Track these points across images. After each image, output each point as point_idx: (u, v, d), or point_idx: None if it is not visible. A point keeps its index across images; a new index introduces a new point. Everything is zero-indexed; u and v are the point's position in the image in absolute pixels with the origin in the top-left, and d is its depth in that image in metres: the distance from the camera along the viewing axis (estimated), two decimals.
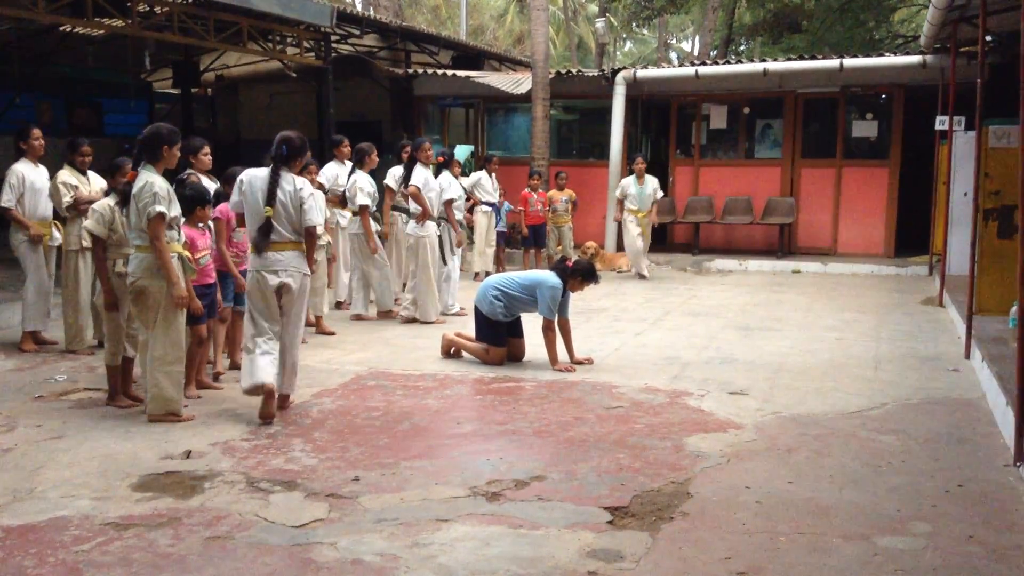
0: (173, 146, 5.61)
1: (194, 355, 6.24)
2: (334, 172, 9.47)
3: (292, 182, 5.81)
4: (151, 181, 5.41)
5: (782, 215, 14.23)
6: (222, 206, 6.50)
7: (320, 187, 9.15)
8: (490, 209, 12.15)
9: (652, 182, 12.41)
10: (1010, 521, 4.12)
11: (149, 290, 5.46)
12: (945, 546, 3.83)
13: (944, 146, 11.70)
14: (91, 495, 4.36)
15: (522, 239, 12.64)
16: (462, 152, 13.92)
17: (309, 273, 5.94)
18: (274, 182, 5.73)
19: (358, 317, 9.16)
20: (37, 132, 7.61)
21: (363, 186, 8.94)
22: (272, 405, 5.61)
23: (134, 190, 5.48)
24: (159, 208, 5.34)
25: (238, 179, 5.96)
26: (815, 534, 3.93)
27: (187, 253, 5.73)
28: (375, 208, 9.19)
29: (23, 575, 3.53)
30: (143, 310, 5.54)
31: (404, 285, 9.98)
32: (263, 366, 5.65)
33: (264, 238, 5.70)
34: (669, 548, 3.79)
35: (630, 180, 12.43)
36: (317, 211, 6.00)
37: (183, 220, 6.18)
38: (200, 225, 6.23)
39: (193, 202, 6.17)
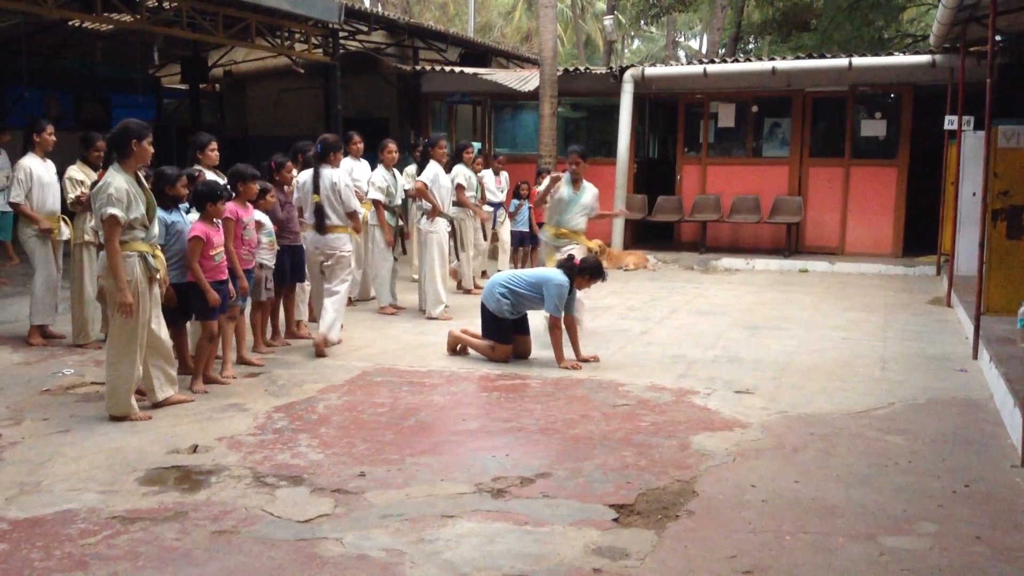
0: (143, 140, 5.44)
1: (203, 350, 6.25)
2: (348, 166, 9.51)
3: (329, 175, 7.50)
4: (108, 182, 5.32)
5: (789, 214, 14.21)
6: (230, 205, 6.51)
7: None
8: (492, 209, 12.04)
9: (589, 191, 8.47)
10: (1017, 522, 4.10)
11: (107, 289, 5.45)
12: (951, 546, 3.82)
13: (953, 146, 11.67)
14: (98, 489, 4.37)
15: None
16: None
17: (349, 251, 7.62)
18: (316, 176, 7.51)
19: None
20: (51, 127, 7.63)
21: (375, 180, 9.23)
22: (321, 347, 7.30)
23: (93, 190, 5.46)
24: (111, 210, 5.25)
25: (295, 180, 7.69)
26: (821, 533, 3.93)
27: (158, 253, 5.62)
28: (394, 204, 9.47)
29: (30, 568, 3.54)
30: (107, 308, 5.56)
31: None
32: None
33: (321, 219, 7.44)
34: (674, 546, 3.79)
35: (564, 181, 8.40)
36: (354, 198, 7.58)
37: (198, 216, 6.22)
38: (216, 222, 6.24)
39: (204, 198, 6.19)
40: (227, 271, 6.35)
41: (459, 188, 10.26)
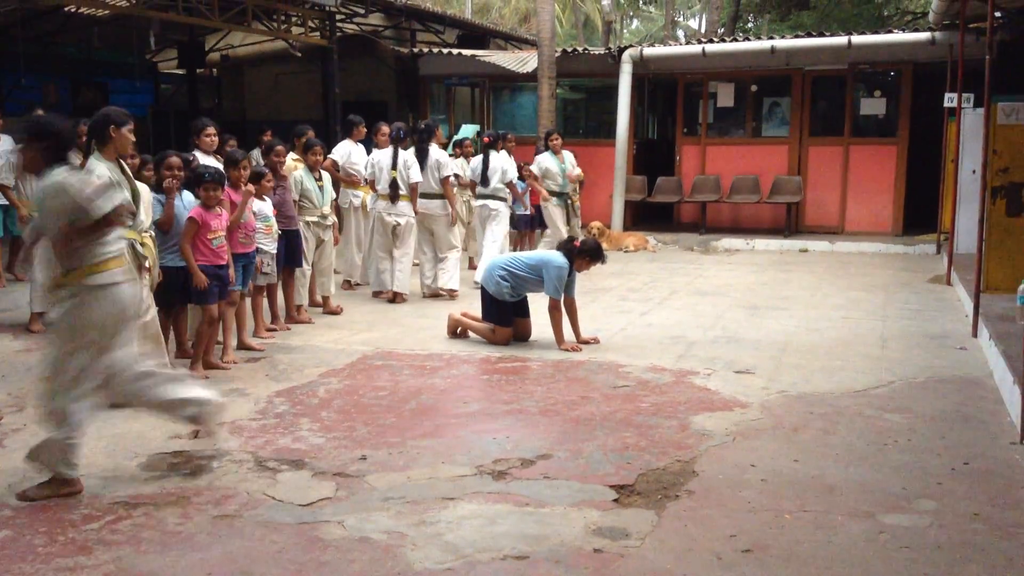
0: (122, 127, 5.25)
1: (203, 335, 6.25)
2: (346, 150, 9.57)
3: (403, 156, 8.87)
4: (90, 170, 5.19)
5: (789, 194, 14.18)
6: (226, 190, 6.49)
7: (334, 164, 9.32)
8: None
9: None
10: (1016, 499, 4.12)
11: None
12: (950, 524, 3.83)
13: (952, 123, 11.63)
14: (100, 474, 4.39)
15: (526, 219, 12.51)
16: (467, 131, 13.87)
17: (414, 215, 8.95)
18: (395, 156, 8.86)
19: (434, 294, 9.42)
20: (39, 113, 7.61)
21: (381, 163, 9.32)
22: (397, 299, 8.91)
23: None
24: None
25: (370, 158, 9.20)
26: (820, 512, 3.94)
27: (146, 240, 5.53)
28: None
29: (34, 553, 3.56)
30: None
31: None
32: (389, 272, 8.95)
33: (395, 191, 8.81)
34: (674, 526, 3.81)
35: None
36: (416, 173, 8.90)
37: (197, 201, 6.21)
38: (216, 208, 6.23)
39: (192, 184, 6.19)
40: (227, 256, 6.34)
41: (532, 176, 10.99)
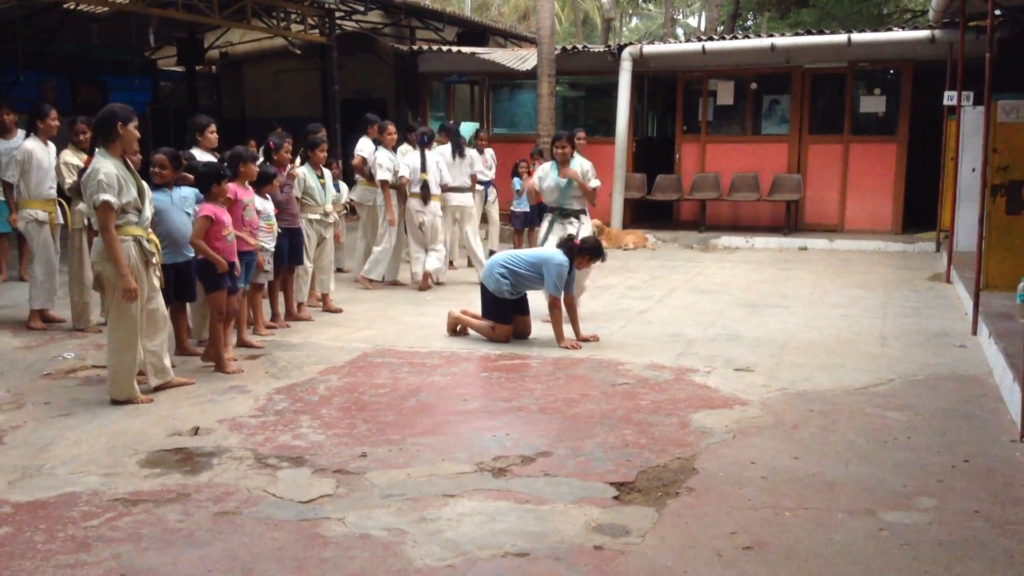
0: (128, 123, 5.39)
1: (217, 332, 6.21)
2: (371, 148, 9.81)
3: (433, 157, 9.48)
4: (97, 168, 5.28)
5: (789, 192, 14.17)
6: (231, 186, 6.49)
7: (363, 161, 9.79)
8: (482, 188, 11.87)
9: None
10: (1016, 496, 4.12)
11: (104, 275, 5.42)
12: (951, 521, 3.83)
13: (952, 121, 11.62)
14: (100, 471, 4.39)
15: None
16: (467, 129, 13.85)
17: (440, 214, 9.56)
18: (423, 158, 9.37)
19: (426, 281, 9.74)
20: (55, 113, 7.63)
21: (382, 162, 9.50)
22: (426, 282, 9.55)
23: (82, 177, 5.42)
24: (104, 197, 5.21)
25: (404, 160, 9.47)
26: (820, 509, 3.94)
27: (152, 236, 5.59)
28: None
29: (33, 550, 3.56)
30: (103, 295, 5.55)
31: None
32: (422, 263, 9.53)
33: (427, 191, 9.33)
34: (675, 523, 3.81)
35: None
36: (447, 174, 9.63)
37: (203, 197, 6.21)
38: (221, 201, 6.24)
39: (208, 179, 6.20)
40: (236, 252, 6.35)
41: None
